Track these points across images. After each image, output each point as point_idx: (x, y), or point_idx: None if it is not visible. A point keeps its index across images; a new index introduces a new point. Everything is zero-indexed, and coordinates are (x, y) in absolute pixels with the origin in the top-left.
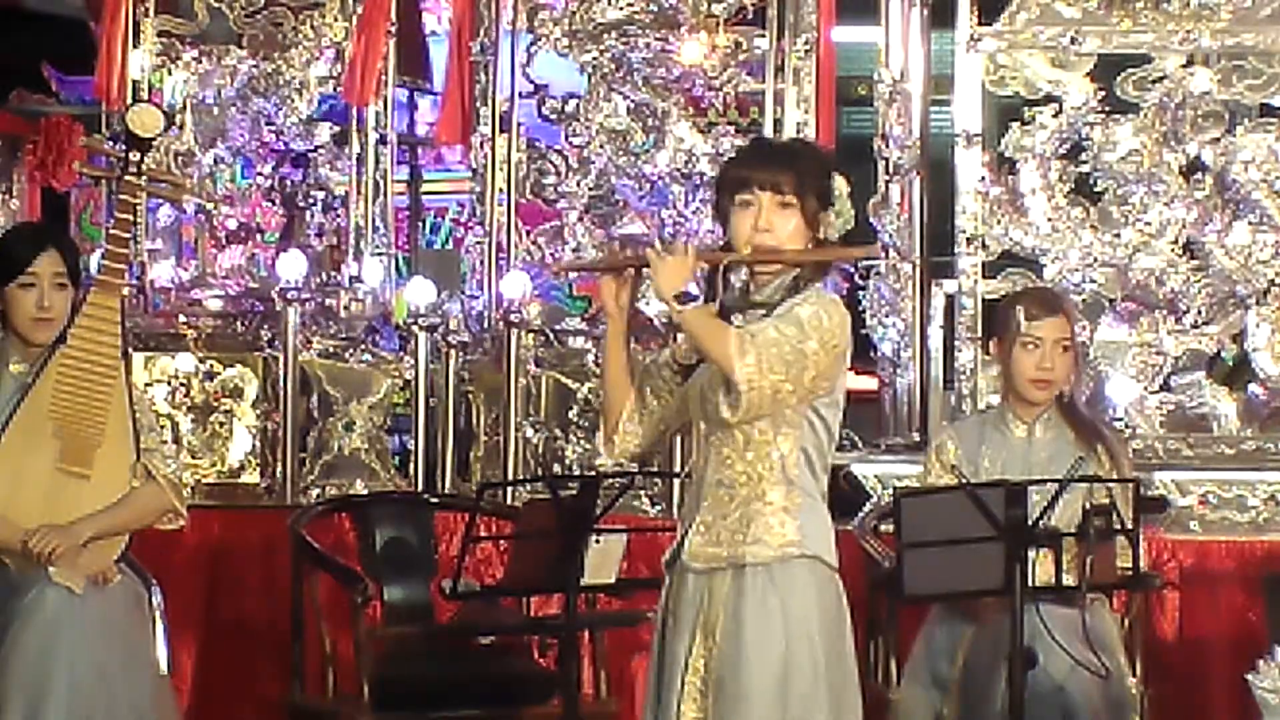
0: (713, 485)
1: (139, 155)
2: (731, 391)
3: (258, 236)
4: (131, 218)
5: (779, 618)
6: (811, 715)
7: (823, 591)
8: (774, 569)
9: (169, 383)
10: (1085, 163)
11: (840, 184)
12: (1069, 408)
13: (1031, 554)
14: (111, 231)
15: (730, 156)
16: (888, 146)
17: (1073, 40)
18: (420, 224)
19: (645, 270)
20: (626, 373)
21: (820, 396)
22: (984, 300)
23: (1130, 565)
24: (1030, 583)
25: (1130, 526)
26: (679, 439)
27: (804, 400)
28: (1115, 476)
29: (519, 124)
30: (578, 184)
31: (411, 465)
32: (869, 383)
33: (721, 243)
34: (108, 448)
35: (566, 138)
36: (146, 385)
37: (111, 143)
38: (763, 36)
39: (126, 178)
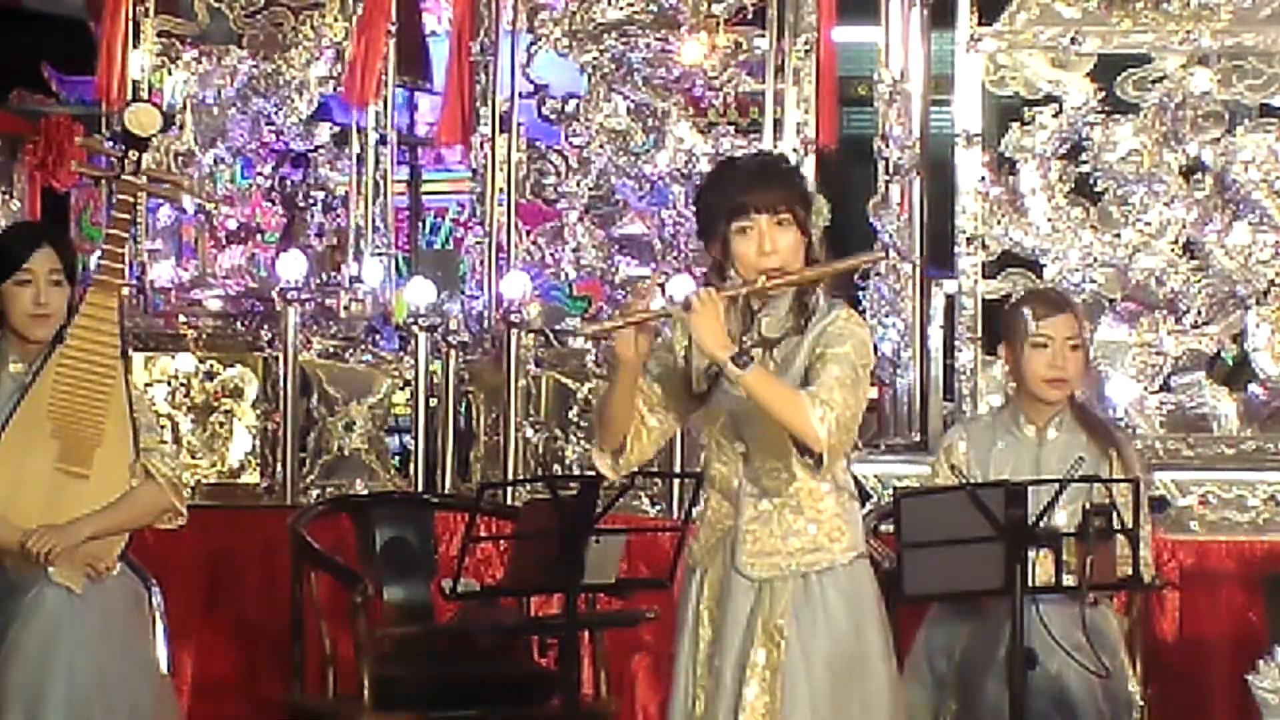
0: (753, 496)
1: (137, 154)
2: (807, 453)
3: (258, 236)
4: (129, 217)
5: (847, 617)
6: (883, 699)
7: (874, 585)
8: (838, 573)
9: (169, 383)
10: (1085, 163)
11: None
12: (1083, 410)
13: (1031, 554)
14: (109, 231)
15: (709, 183)
16: (888, 146)
17: (1073, 40)
18: (420, 224)
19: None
20: (634, 403)
21: None
22: (984, 300)
23: (1132, 565)
24: (1030, 583)
25: (1131, 527)
26: (679, 438)
27: None
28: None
29: (519, 124)
30: (578, 184)
31: (411, 465)
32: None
33: (715, 267)
34: (107, 447)
35: (566, 138)
36: (146, 385)
37: (112, 143)
38: (763, 36)
39: (124, 177)
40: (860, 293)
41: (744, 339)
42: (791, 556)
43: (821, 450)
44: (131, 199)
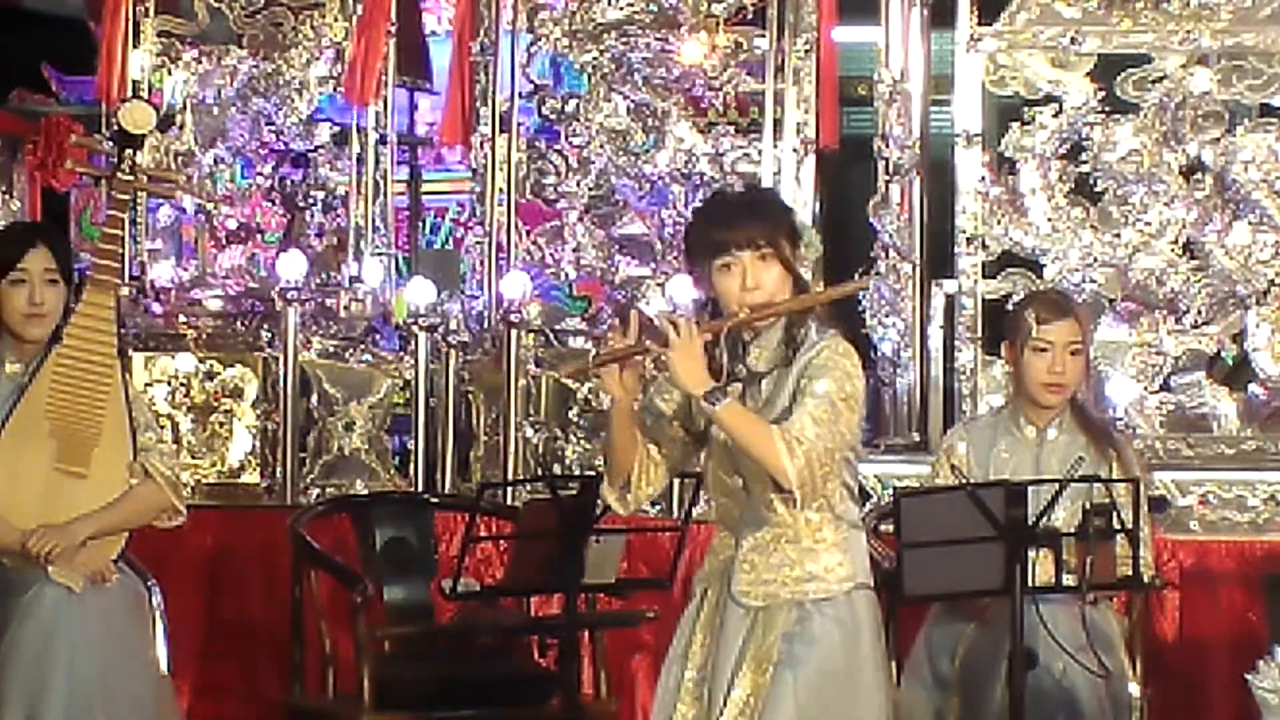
0: (752, 526)
1: (132, 152)
2: (781, 489)
3: (258, 236)
4: (123, 214)
5: (843, 647)
6: None
7: (875, 617)
8: (838, 602)
9: (169, 383)
10: (1085, 163)
11: (801, 219)
12: (1082, 412)
13: (1031, 554)
14: (104, 229)
15: (692, 219)
16: (888, 146)
17: (1073, 40)
18: (420, 224)
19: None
20: (634, 438)
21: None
22: (984, 300)
23: (1132, 565)
24: (1030, 583)
25: (1131, 527)
26: None
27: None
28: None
29: (519, 124)
30: (578, 184)
31: (411, 465)
32: None
33: (705, 302)
34: (105, 446)
35: (566, 138)
36: (146, 385)
37: (111, 143)
38: (763, 36)
39: (119, 175)
40: (860, 293)
41: (735, 369)
42: (786, 585)
43: (789, 484)
44: (126, 197)
